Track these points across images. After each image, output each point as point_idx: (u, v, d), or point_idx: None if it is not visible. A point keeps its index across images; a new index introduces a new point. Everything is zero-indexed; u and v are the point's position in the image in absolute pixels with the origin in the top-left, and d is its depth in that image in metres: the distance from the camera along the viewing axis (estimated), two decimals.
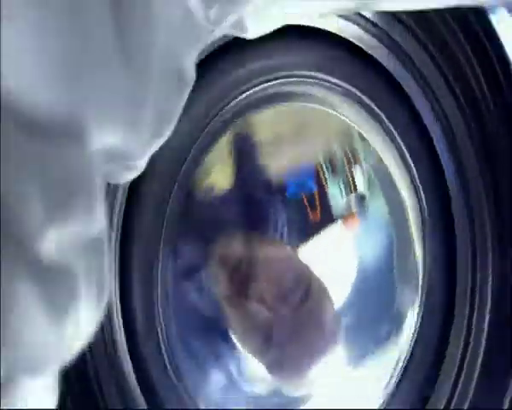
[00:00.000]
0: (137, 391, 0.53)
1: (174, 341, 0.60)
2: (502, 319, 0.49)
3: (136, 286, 0.53)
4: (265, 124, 0.59)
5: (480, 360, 0.49)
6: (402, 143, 0.54)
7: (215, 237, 0.59)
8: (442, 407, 0.50)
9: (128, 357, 0.53)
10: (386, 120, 0.53)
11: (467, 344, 0.50)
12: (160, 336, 0.57)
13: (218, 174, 0.62)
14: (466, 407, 0.48)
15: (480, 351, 0.49)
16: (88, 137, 0.17)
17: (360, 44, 0.50)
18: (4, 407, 0.15)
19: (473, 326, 0.50)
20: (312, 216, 0.62)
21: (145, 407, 0.53)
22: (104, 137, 0.18)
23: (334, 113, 0.57)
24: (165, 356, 0.57)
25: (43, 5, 0.15)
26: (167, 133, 0.22)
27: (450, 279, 0.53)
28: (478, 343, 0.49)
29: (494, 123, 0.50)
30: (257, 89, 0.53)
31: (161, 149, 0.23)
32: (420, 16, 0.48)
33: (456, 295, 0.52)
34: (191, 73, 0.22)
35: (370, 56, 0.51)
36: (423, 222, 0.55)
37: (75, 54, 0.16)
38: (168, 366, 0.57)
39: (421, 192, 0.55)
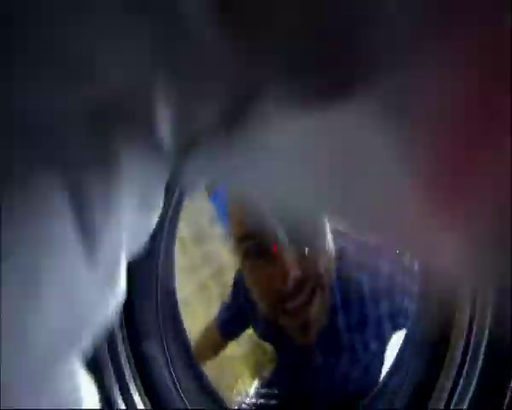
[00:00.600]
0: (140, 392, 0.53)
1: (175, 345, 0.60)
2: (503, 318, 0.49)
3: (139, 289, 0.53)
4: None
5: (480, 360, 0.49)
6: None
7: None
8: (442, 407, 0.50)
9: (131, 360, 0.53)
10: None
11: (467, 344, 0.50)
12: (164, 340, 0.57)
13: None
14: (466, 406, 0.48)
15: (481, 351, 0.49)
16: None
17: None
18: (4, 407, 0.15)
19: (474, 325, 0.50)
20: None
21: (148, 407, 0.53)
22: None
23: None
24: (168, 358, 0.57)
25: None
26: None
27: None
28: (479, 343, 0.49)
29: None
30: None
31: None
32: None
33: (458, 294, 0.52)
34: (161, 198, 0.22)
35: None
36: None
37: None
38: (170, 369, 0.57)
39: None
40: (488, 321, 0.49)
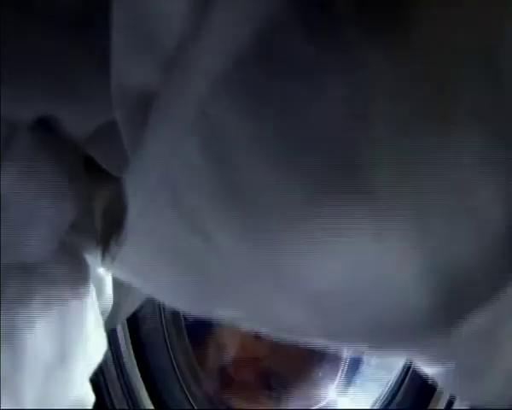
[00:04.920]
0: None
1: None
2: None
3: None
4: None
5: None
6: None
7: None
8: (443, 408, 0.50)
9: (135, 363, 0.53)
10: None
11: None
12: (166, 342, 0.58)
13: None
14: (467, 407, 0.48)
15: None
16: None
17: None
18: (4, 407, 0.16)
19: None
20: None
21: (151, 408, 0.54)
22: None
23: None
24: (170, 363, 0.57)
25: None
26: None
27: None
28: None
29: None
30: None
31: None
32: None
33: None
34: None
35: None
36: None
37: None
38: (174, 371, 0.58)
39: None
40: None
